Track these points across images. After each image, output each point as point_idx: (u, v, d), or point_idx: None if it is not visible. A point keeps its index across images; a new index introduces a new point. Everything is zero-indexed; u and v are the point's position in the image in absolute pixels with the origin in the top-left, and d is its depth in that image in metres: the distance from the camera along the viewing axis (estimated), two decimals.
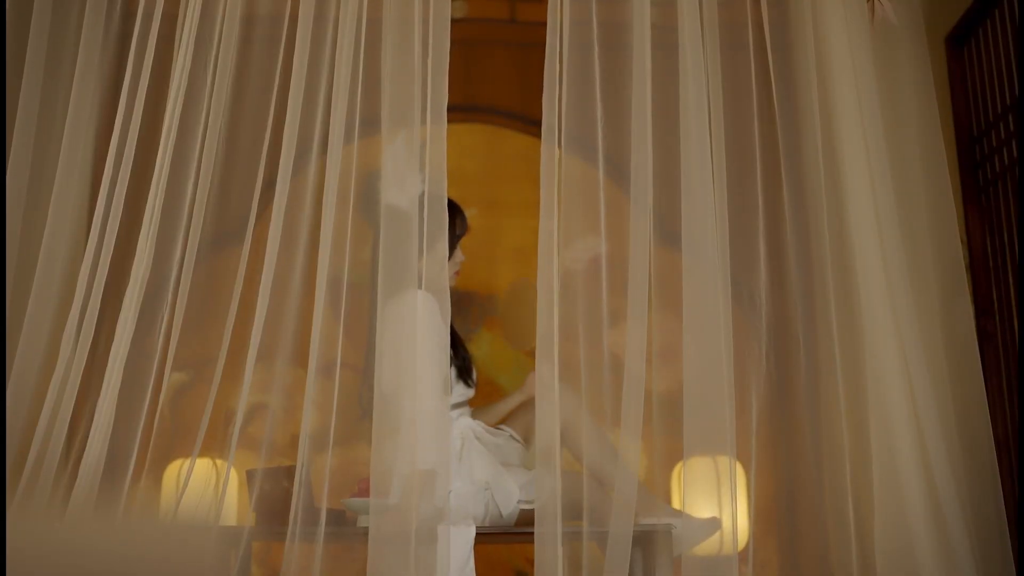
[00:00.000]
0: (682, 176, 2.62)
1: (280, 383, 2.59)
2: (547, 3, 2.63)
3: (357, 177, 2.64)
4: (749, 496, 2.65)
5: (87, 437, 2.52)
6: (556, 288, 2.45)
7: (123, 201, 2.64)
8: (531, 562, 2.38)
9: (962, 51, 3.29)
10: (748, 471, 2.60)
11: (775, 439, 3.14)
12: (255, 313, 2.54)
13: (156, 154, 2.66)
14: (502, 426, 2.87)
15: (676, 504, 2.83)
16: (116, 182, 2.65)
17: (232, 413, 2.52)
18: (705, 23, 2.72)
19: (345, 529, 2.58)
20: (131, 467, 2.52)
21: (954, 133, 3.24)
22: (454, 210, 2.76)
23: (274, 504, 2.57)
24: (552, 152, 2.52)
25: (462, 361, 2.80)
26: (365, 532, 2.40)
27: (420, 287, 2.54)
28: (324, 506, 2.45)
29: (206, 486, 2.57)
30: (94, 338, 2.59)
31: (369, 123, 2.65)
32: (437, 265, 2.56)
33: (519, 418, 2.88)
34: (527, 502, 2.67)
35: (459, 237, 2.84)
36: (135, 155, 2.67)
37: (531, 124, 3.60)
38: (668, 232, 2.65)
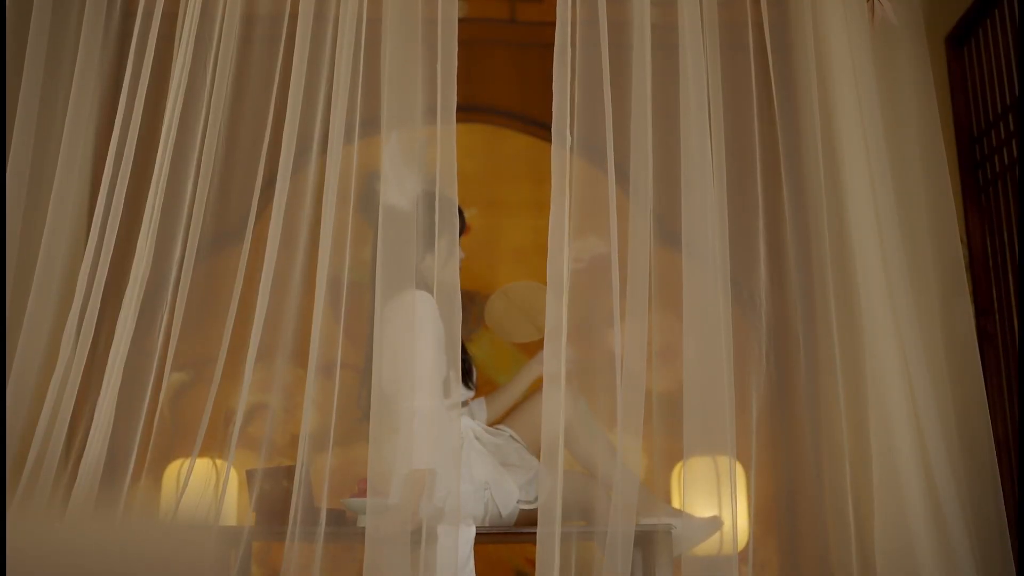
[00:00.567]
0: (682, 176, 2.62)
1: (280, 383, 2.59)
2: (547, 3, 2.63)
3: (357, 177, 2.64)
4: (749, 496, 2.65)
5: (87, 437, 2.52)
6: (566, 288, 2.45)
7: (123, 200, 2.64)
8: (531, 562, 2.38)
9: (962, 51, 3.29)
10: (748, 471, 2.60)
11: (775, 439, 3.14)
12: (255, 313, 2.54)
13: (156, 153, 2.66)
14: (501, 426, 2.87)
15: (676, 504, 2.83)
16: (116, 181, 2.65)
17: (232, 413, 2.52)
18: (705, 23, 2.72)
19: (345, 529, 2.58)
20: (131, 467, 2.52)
21: (954, 133, 3.24)
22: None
23: (274, 504, 2.57)
24: (562, 152, 2.52)
25: (463, 363, 2.80)
26: (365, 532, 2.40)
27: (422, 287, 2.55)
28: (324, 506, 2.45)
29: (206, 486, 2.57)
30: (94, 338, 2.59)
31: (369, 123, 2.65)
32: (447, 266, 2.56)
33: (520, 417, 2.89)
34: (527, 502, 2.67)
35: (459, 234, 2.84)
36: (135, 154, 2.67)
37: (531, 124, 3.62)
38: (668, 232, 2.65)
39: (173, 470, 3.08)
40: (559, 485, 2.36)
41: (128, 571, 2.19)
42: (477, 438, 2.74)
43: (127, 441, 2.54)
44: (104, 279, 2.61)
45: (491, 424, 2.90)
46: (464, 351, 2.85)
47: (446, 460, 2.48)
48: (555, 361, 2.44)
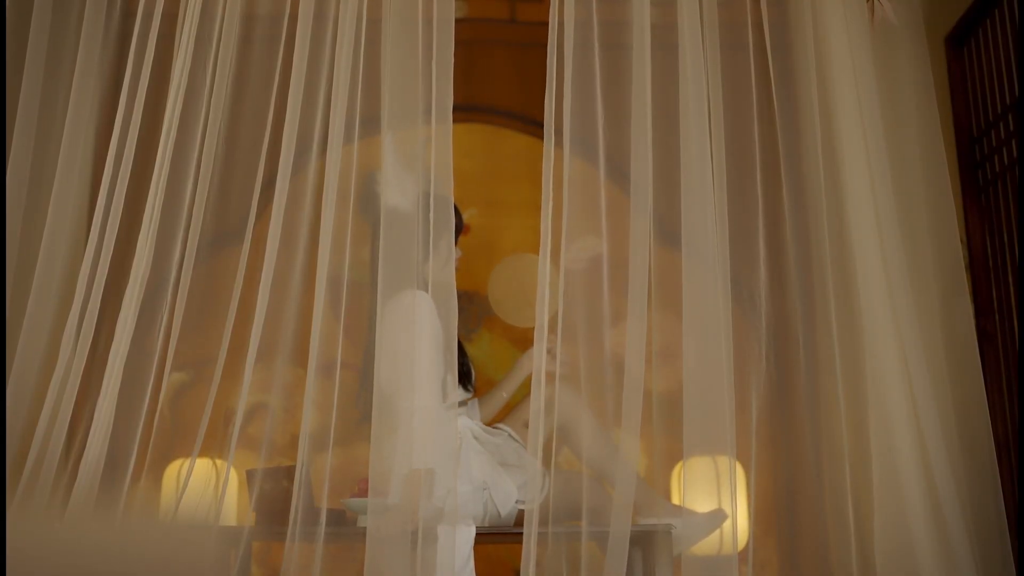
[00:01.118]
0: (682, 176, 2.62)
1: (280, 383, 2.59)
2: (547, 3, 2.63)
3: (357, 177, 2.64)
4: (749, 496, 2.65)
5: (87, 437, 2.52)
6: (559, 289, 2.45)
7: (123, 201, 2.64)
8: None
9: (962, 51, 3.29)
10: (748, 471, 2.60)
11: (775, 439, 3.14)
12: (255, 313, 2.54)
13: (156, 153, 2.66)
14: (500, 425, 2.87)
15: (675, 503, 2.83)
16: (116, 181, 2.65)
17: (232, 413, 2.52)
18: (705, 23, 2.72)
19: (345, 529, 2.58)
20: (131, 467, 2.51)
21: (954, 133, 3.24)
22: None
23: (274, 504, 2.57)
24: (551, 152, 2.52)
25: (462, 366, 2.80)
26: (365, 532, 2.40)
27: (421, 287, 2.55)
28: (324, 506, 2.45)
29: (206, 486, 2.57)
30: (94, 338, 2.59)
31: (369, 123, 2.65)
32: (443, 265, 2.57)
33: (518, 417, 2.89)
34: (526, 502, 2.67)
35: (457, 234, 2.85)
36: (135, 154, 2.67)
37: (531, 124, 3.61)
38: (668, 232, 2.65)
39: (173, 470, 3.08)
40: (546, 484, 2.36)
41: (128, 571, 2.19)
42: (476, 438, 2.74)
43: (127, 441, 2.54)
44: (104, 279, 2.61)
45: (490, 423, 2.90)
46: (463, 352, 2.85)
47: (445, 460, 2.48)
48: (545, 359, 2.44)
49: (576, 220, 2.56)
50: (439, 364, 2.53)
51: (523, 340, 3.27)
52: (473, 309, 3.74)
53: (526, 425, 2.67)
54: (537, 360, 2.46)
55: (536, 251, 2.50)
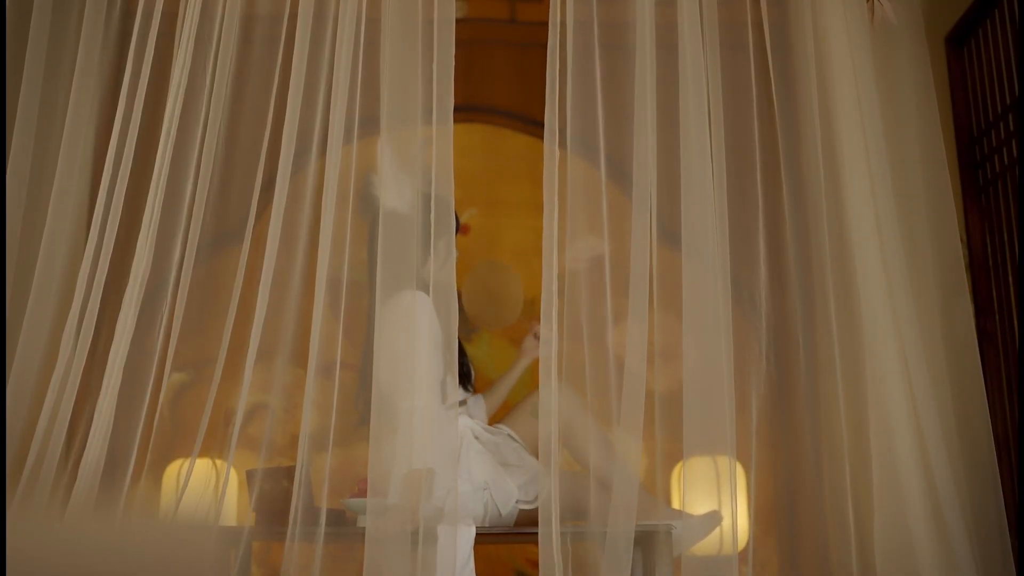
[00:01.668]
0: (682, 176, 2.62)
1: (280, 383, 2.59)
2: (547, 3, 2.63)
3: (356, 177, 2.64)
4: (749, 496, 2.65)
5: (87, 437, 2.52)
6: (557, 289, 2.46)
7: (123, 200, 2.64)
8: (531, 562, 2.39)
9: (962, 51, 3.29)
10: (748, 471, 2.60)
11: (775, 439, 3.14)
12: (255, 313, 2.54)
13: (156, 153, 2.66)
14: (500, 425, 2.87)
15: (676, 504, 2.83)
16: (116, 181, 2.65)
17: (232, 413, 2.52)
18: (705, 23, 2.72)
19: (345, 529, 2.58)
20: (131, 467, 2.51)
21: (954, 133, 3.23)
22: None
23: (274, 504, 2.57)
24: (553, 152, 2.52)
25: (461, 366, 2.80)
26: (365, 532, 2.40)
27: (420, 288, 2.55)
28: (324, 506, 2.45)
29: (206, 486, 2.57)
30: (94, 338, 2.59)
31: (369, 123, 2.65)
32: (442, 266, 2.57)
33: (518, 417, 2.89)
34: (526, 502, 2.67)
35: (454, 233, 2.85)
36: (135, 154, 2.67)
37: (531, 124, 3.61)
38: (668, 232, 2.65)
39: (173, 470, 3.08)
40: (555, 484, 2.35)
41: (128, 571, 2.19)
42: (476, 437, 2.75)
43: (127, 441, 2.53)
44: (104, 279, 2.61)
45: (490, 423, 2.90)
46: (463, 352, 2.85)
47: (445, 460, 2.48)
48: (549, 360, 2.44)
49: (577, 220, 2.56)
50: (438, 364, 2.53)
51: (522, 339, 3.26)
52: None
53: (533, 413, 2.67)
54: (544, 362, 2.46)
55: (536, 251, 2.50)
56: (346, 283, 2.56)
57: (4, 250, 2.57)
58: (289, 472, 2.53)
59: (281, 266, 2.59)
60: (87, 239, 2.66)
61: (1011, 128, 2.99)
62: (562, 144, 2.55)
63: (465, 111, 2.64)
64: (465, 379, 2.81)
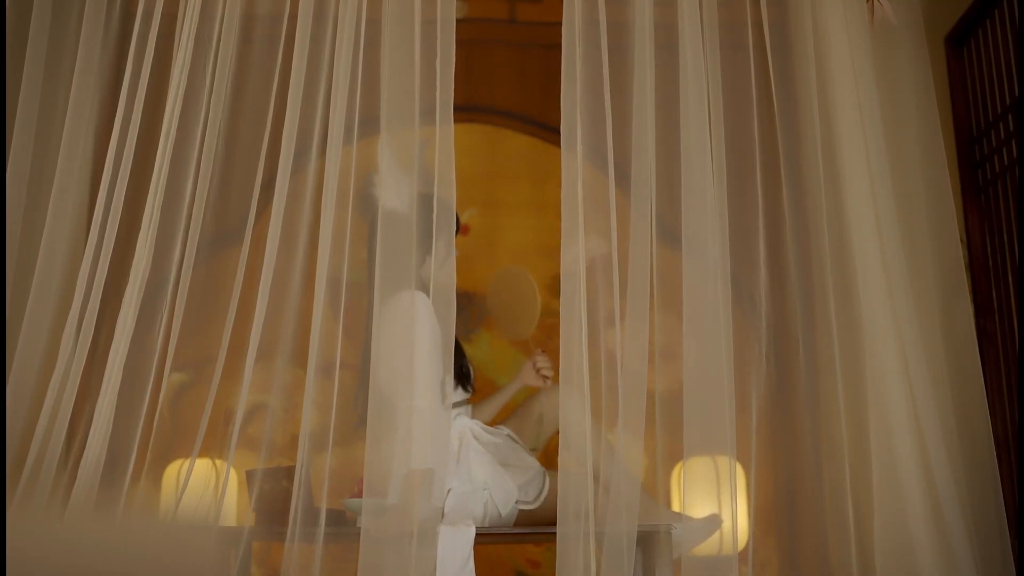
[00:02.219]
0: (682, 176, 2.62)
1: (280, 383, 2.59)
2: (547, 3, 2.63)
3: (356, 177, 2.64)
4: (749, 496, 2.65)
5: (87, 437, 2.52)
6: (575, 287, 2.46)
7: (123, 200, 2.64)
8: (531, 562, 2.38)
9: (962, 51, 3.29)
10: (748, 471, 2.60)
11: (775, 439, 3.14)
12: (255, 313, 2.54)
13: (156, 153, 2.66)
14: (500, 426, 2.87)
15: (676, 503, 2.83)
16: (116, 181, 2.65)
17: (232, 413, 2.52)
18: (705, 23, 2.72)
19: (345, 529, 2.58)
20: (131, 467, 2.51)
21: (954, 133, 3.24)
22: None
23: (274, 504, 2.57)
24: (573, 156, 2.52)
25: (460, 367, 2.80)
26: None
27: (418, 288, 2.55)
28: (324, 506, 2.45)
29: (206, 486, 2.57)
30: (94, 338, 2.59)
31: (368, 123, 2.65)
32: (443, 267, 2.57)
33: (520, 416, 2.89)
34: (526, 502, 2.67)
35: (454, 234, 2.85)
36: (135, 154, 2.67)
37: (531, 124, 3.61)
38: (668, 232, 2.65)
39: (173, 470, 3.08)
40: (546, 484, 2.36)
41: (128, 571, 2.19)
42: (476, 438, 2.74)
43: (127, 441, 2.53)
44: (104, 279, 2.61)
45: (491, 424, 2.90)
46: (462, 352, 2.85)
47: (444, 460, 2.48)
48: (571, 360, 2.44)
49: (577, 220, 2.56)
50: (437, 365, 2.53)
51: (522, 342, 3.26)
52: (473, 309, 3.74)
53: (539, 422, 2.67)
54: (564, 360, 2.46)
55: (536, 251, 2.50)
56: (346, 283, 2.56)
57: (4, 250, 2.57)
58: (289, 472, 2.53)
59: (281, 266, 2.59)
60: (87, 239, 2.66)
61: (1011, 128, 3.00)
62: (572, 146, 2.55)
63: (465, 111, 2.64)
64: (464, 379, 2.81)
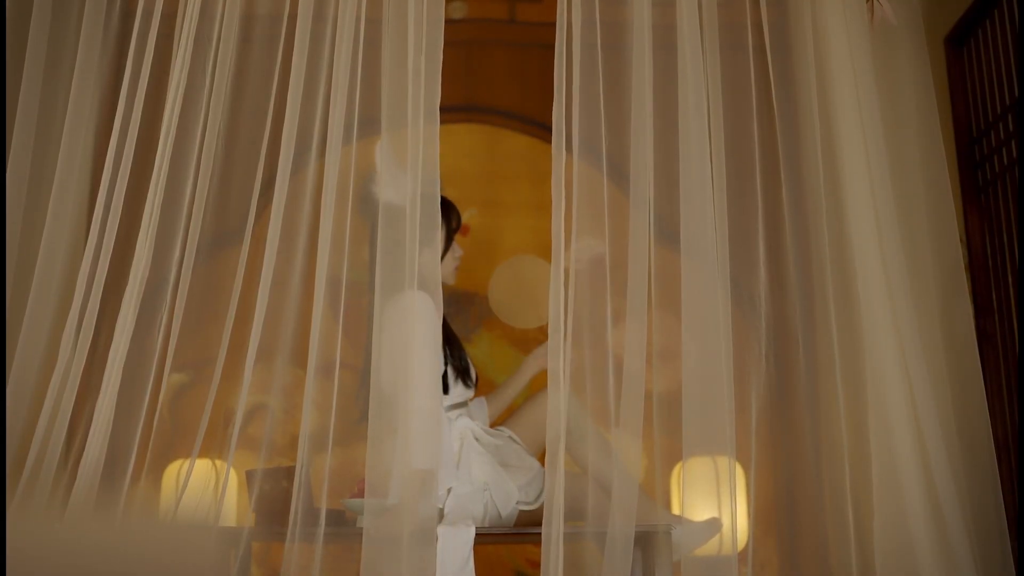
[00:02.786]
0: (681, 177, 2.62)
1: (280, 383, 2.59)
2: (547, 4, 2.63)
3: (356, 177, 2.64)
4: (749, 496, 2.65)
5: (87, 437, 2.52)
6: (562, 290, 2.45)
7: (123, 200, 2.64)
8: (531, 562, 2.39)
9: (962, 51, 3.29)
10: (748, 471, 2.60)
11: (775, 439, 3.14)
12: (255, 313, 2.54)
13: (156, 153, 2.66)
14: (501, 427, 2.87)
15: (675, 504, 2.83)
16: (116, 181, 2.65)
17: (232, 413, 2.52)
18: (704, 24, 2.72)
19: (345, 529, 2.58)
20: (131, 467, 2.51)
21: (954, 133, 3.24)
22: (448, 206, 2.78)
23: (274, 504, 2.57)
24: (561, 152, 2.52)
25: (459, 361, 2.80)
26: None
27: (416, 286, 2.55)
28: (324, 506, 2.44)
29: (206, 486, 2.57)
30: (94, 338, 2.59)
31: (368, 123, 2.65)
32: (430, 263, 2.57)
33: (519, 419, 2.88)
34: (526, 503, 2.67)
35: (454, 231, 2.85)
36: (135, 154, 2.67)
37: (531, 124, 3.61)
38: (668, 232, 2.65)
39: (173, 470, 3.08)
40: (559, 485, 2.35)
41: (128, 571, 2.19)
42: (476, 439, 2.74)
43: (127, 441, 2.53)
44: (104, 279, 2.61)
45: (491, 426, 2.90)
46: (461, 350, 2.85)
47: (445, 460, 2.48)
48: (557, 360, 2.44)
49: (579, 221, 2.56)
50: (436, 364, 2.53)
51: (523, 341, 3.27)
52: (473, 309, 3.74)
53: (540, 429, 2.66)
54: (552, 363, 2.45)
55: (536, 251, 2.50)
56: (346, 283, 2.56)
57: (4, 250, 2.57)
58: (289, 472, 2.53)
59: (281, 266, 2.59)
60: (87, 239, 2.66)
61: (1011, 128, 3.00)
62: (569, 145, 2.55)
63: (465, 111, 2.64)
64: (464, 374, 2.81)
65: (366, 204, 2.68)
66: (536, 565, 2.34)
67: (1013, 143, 2.98)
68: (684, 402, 2.49)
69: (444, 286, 2.62)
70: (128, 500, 2.50)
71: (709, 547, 2.57)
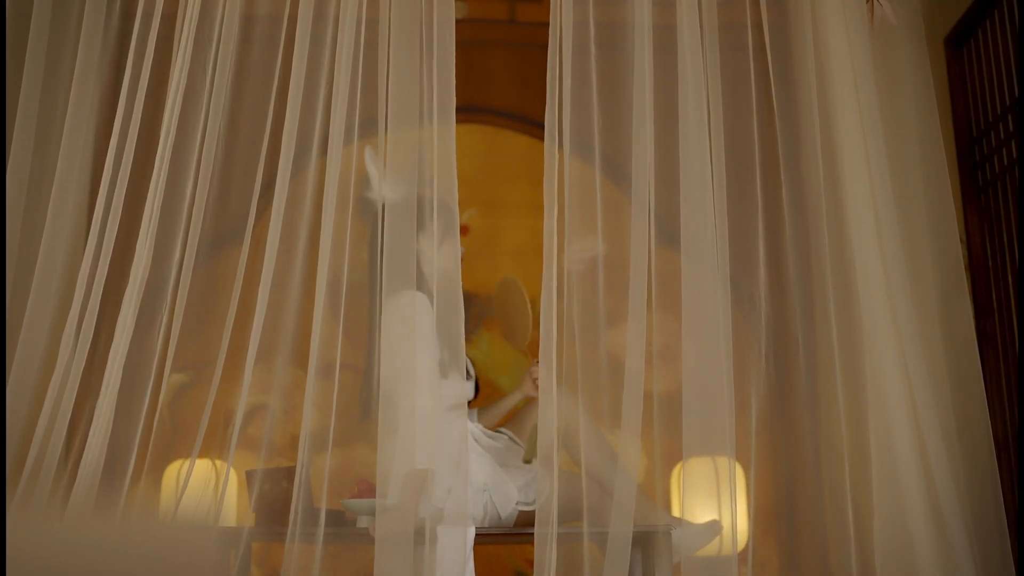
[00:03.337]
0: (681, 177, 2.62)
1: (280, 383, 2.59)
2: (547, 4, 2.63)
3: (357, 178, 2.64)
4: (749, 496, 2.65)
5: (87, 437, 2.52)
6: (555, 290, 2.45)
7: (123, 201, 2.65)
8: (531, 563, 2.38)
9: (961, 52, 3.29)
10: (748, 471, 2.60)
11: (775, 439, 3.14)
12: (255, 314, 2.54)
13: (156, 153, 2.66)
14: (501, 428, 2.87)
15: (675, 504, 2.83)
16: (116, 182, 2.65)
17: (232, 413, 2.52)
18: (704, 24, 2.72)
19: (344, 530, 2.58)
20: (131, 467, 2.51)
21: (954, 133, 3.24)
22: None
23: (274, 505, 2.57)
24: (554, 153, 2.52)
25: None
26: (364, 533, 2.40)
27: (421, 287, 2.55)
28: (324, 507, 2.45)
29: (206, 486, 2.57)
30: (94, 338, 2.59)
31: (369, 123, 2.65)
32: (449, 267, 2.56)
33: (520, 420, 2.88)
34: (525, 503, 2.67)
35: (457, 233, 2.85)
36: (135, 154, 2.67)
37: (531, 124, 3.61)
38: (668, 232, 2.65)
39: (173, 471, 3.08)
40: (555, 486, 2.35)
41: (128, 571, 2.19)
42: (476, 440, 2.74)
43: (127, 441, 2.54)
44: (104, 279, 2.61)
45: (492, 428, 2.90)
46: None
47: (446, 460, 2.48)
48: (550, 361, 2.43)
49: (575, 221, 2.56)
50: (435, 365, 2.53)
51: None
52: (473, 310, 3.73)
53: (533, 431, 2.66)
54: (544, 364, 2.45)
55: (535, 251, 2.50)
56: (346, 284, 2.56)
57: (4, 250, 2.57)
58: (289, 473, 2.53)
59: (281, 267, 2.59)
60: (87, 239, 2.66)
61: (1011, 129, 3.00)
62: (561, 145, 2.55)
63: (465, 111, 2.63)
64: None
65: (365, 205, 2.68)
66: (537, 565, 2.34)
67: (1013, 143, 2.98)
68: (684, 402, 2.49)
69: None
70: (128, 500, 2.50)
71: (709, 547, 2.57)
